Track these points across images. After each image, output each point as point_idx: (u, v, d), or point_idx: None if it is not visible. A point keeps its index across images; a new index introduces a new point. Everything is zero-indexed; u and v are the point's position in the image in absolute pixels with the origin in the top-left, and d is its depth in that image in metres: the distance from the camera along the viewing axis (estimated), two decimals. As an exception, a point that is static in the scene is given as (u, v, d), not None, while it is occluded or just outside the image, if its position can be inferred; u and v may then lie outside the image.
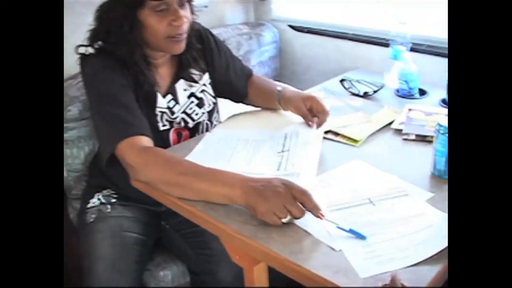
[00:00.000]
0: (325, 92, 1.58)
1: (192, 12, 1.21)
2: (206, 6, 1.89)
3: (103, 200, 1.34)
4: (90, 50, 1.20)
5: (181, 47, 1.19)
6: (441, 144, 1.02)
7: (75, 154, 1.51)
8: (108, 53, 1.15)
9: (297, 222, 0.89)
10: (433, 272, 0.77)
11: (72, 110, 1.45)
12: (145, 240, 1.32)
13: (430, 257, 0.79)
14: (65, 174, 1.52)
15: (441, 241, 0.81)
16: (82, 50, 1.20)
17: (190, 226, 1.35)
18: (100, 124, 1.12)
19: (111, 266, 1.19)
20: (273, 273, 1.03)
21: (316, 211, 0.87)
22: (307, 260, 0.81)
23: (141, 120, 1.11)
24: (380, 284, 0.72)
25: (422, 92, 1.55)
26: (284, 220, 0.88)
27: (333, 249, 0.83)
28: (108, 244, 1.24)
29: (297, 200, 0.87)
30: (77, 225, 1.38)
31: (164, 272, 1.31)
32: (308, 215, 0.88)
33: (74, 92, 1.47)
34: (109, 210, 1.32)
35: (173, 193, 1.00)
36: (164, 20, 1.13)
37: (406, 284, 0.71)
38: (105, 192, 1.36)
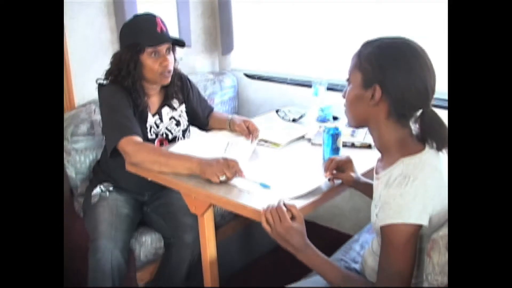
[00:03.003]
0: (266, 119, 2.19)
1: (175, 59, 1.82)
2: (181, 59, 2.52)
3: (103, 189, 1.88)
4: (105, 82, 1.78)
5: (168, 80, 1.80)
6: (325, 139, 1.62)
7: (82, 160, 2.06)
8: (118, 84, 1.74)
9: (230, 182, 1.47)
10: (303, 203, 1.35)
11: (82, 128, 2.02)
12: (133, 216, 1.86)
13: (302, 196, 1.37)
14: (73, 175, 2.06)
15: (308, 189, 1.39)
16: (100, 81, 1.79)
17: (165, 208, 1.90)
18: (109, 127, 1.70)
19: (110, 225, 1.72)
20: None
21: (240, 173, 1.46)
22: (237, 199, 1.39)
23: (137, 126, 1.70)
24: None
25: (335, 118, 2.17)
26: (221, 179, 1.45)
27: (248, 192, 1.41)
28: (108, 212, 1.77)
29: (230, 167, 1.45)
30: (83, 208, 1.92)
31: (145, 238, 1.85)
32: (236, 178, 1.46)
33: (84, 115, 2.05)
34: (107, 195, 1.86)
35: (155, 169, 1.57)
36: (157, 61, 1.73)
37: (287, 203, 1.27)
38: (104, 184, 1.91)
